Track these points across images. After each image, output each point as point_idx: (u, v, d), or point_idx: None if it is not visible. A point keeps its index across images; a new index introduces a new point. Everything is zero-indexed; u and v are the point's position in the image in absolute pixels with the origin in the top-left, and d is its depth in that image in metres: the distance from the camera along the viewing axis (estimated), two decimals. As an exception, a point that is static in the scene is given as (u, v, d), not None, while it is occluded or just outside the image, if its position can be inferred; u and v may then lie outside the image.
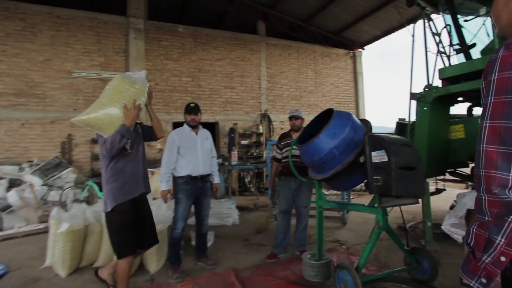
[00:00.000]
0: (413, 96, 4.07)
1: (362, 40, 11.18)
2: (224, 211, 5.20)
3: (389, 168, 1.86)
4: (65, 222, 3.08)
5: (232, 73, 9.44)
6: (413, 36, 4.30)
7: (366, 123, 2.42)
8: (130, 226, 2.24)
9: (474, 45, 4.10)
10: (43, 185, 6.03)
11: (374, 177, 1.96)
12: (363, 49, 11.51)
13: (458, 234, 3.23)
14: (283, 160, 3.51)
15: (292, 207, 3.49)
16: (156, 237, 2.49)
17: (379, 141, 1.97)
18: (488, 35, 4.15)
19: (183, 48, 8.77)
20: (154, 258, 3.08)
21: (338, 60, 11.19)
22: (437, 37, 4.21)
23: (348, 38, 11.11)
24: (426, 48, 4.10)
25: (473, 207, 1.93)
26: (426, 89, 4.01)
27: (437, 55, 4.10)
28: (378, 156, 1.95)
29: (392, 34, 10.30)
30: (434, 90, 3.88)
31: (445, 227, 3.34)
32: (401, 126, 5.03)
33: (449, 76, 3.73)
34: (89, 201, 6.37)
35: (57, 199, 5.85)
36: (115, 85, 2.19)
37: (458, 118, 4.38)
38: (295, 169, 2.93)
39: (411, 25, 4.41)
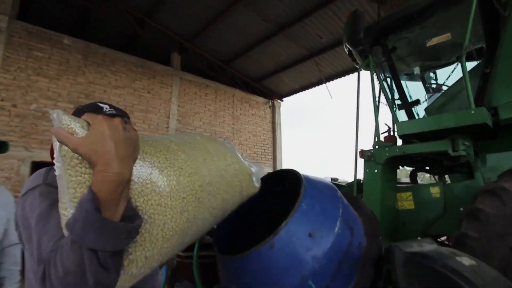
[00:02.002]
0: (362, 153, 3.23)
1: (281, 91, 11.01)
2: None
3: None
4: None
5: (133, 106, 7.63)
6: (358, 83, 3.64)
7: (360, 205, 1.17)
8: None
9: (417, 102, 3.63)
10: None
11: None
12: (282, 100, 11.34)
13: None
14: None
15: None
16: None
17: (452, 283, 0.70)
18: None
19: (67, 65, 6.66)
20: None
21: (258, 108, 10.62)
22: (385, 88, 3.61)
23: (268, 87, 10.79)
24: (374, 98, 3.43)
25: None
26: (377, 147, 3.24)
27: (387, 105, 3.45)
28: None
29: (309, 90, 10.40)
30: (387, 149, 3.11)
31: None
32: (336, 188, 4.19)
33: (407, 134, 3.02)
34: None
35: None
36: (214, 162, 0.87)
37: (402, 184, 3.75)
38: (199, 278, 1.42)
39: (352, 74, 3.90)
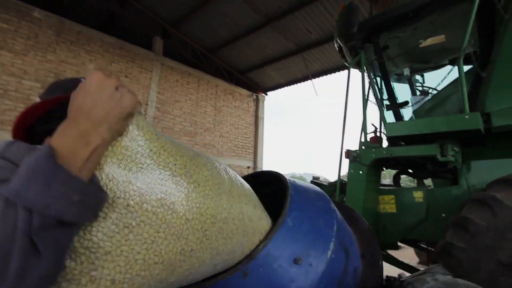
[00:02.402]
0: (348, 154, 3.09)
1: (266, 85, 10.80)
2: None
3: None
4: None
5: (109, 89, 7.14)
6: (348, 82, 3.47)
7: (355, 219, 0.98)
8: None
9: (406, 103, 3.53)
10: None
11: None
12: (266, 94, 11.13)
13: None
14: None
15: None
16: None
17: None
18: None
19: (36, 40, 6.11)
20: None
21: (241, 100, 10.36)
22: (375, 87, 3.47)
23: (253, 80, 10.54)
24: (364, 97, 3.28)
25: None
26: (363, 147, 3.09)
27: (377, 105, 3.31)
28: None
29: (295, 86, 10.25)
30: (373, 150, 2.98)
31: None
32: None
33: (396, 135, 2.89)
34: None
35: None
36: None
37: (384, 186, 3.66)
38: None
39: (339, 72, 3.70)
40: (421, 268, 4.09)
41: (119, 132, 0.50)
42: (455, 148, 2.57)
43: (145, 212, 0.49)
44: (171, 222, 0.52)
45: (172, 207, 0.52)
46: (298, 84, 9.94)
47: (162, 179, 0.53)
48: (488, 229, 1.94)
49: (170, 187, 0.53)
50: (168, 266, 0.53)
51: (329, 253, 0.72)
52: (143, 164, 0.51)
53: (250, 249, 0.70)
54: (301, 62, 8.79)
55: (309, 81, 9.03)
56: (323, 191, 0.90)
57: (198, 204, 0.57)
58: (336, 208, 0.87)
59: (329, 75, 9.01)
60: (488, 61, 2.71)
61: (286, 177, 0.86)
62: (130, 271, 0.48)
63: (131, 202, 0.48)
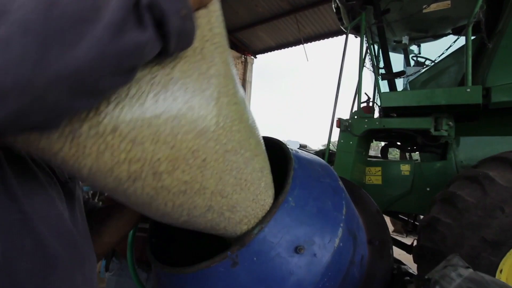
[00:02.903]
0: (340, 123, 2.97)
1: (255, 47, 10.29)
2: None
3: None
4: None
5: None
6: (345, 47, 3.24)
7: (361, 198, 0.86)
8: None
9: (402, 73, 3.39)
10: None
11: None
12: (255, 57, 10.66)
13: None
14: None
15: None
16: None
17: None
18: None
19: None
20: None
21: (229, 62, 9.89)
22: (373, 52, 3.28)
23: (242, 41, 9.99)
24: (361, 63, 3.09)
25: None
26: (355, 117, 2.98)
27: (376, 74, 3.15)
28: None
29: (285, 50, 9.82)
30: (366, 121, 2.87)
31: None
32: (304, 156, 3.97)
33: (391, 106, 2.77)
34: None
35: None
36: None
37: (372, 158, 3.62)
38: (131, 257, 1.01)
39: (332, 38, 3.44)
40: (395, 235, 4.21)
41: (200, 2, 0.45)
42: (450, 123, 2.50)
43: (186, 90, 0.44)
44: (202, 115, 0.47)
45: (211, 100, 0.48)
46: (289, 48, 9.52)
47: (213, 75, 0.49)
48: (477, 207, 1.92)
49: (217, 85, 0.49)
50: (172, 158, 0.44)
51: (337, 241, 0.60)
52: (207, 50, 0.48)
53: (248, 227, 0.57)
54: (294, 25, 8.34)
55: (301, 45, 8.65)
56: (329, 165, 0.76)
57: (230, 120, 0.52)
58: (344, 187, 0.73)
59: (321, 41, 8.64)
60: (493, 32, 2.56)
61: (288, 146, 0.71)
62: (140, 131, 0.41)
63: (181, 80, 0.44)
